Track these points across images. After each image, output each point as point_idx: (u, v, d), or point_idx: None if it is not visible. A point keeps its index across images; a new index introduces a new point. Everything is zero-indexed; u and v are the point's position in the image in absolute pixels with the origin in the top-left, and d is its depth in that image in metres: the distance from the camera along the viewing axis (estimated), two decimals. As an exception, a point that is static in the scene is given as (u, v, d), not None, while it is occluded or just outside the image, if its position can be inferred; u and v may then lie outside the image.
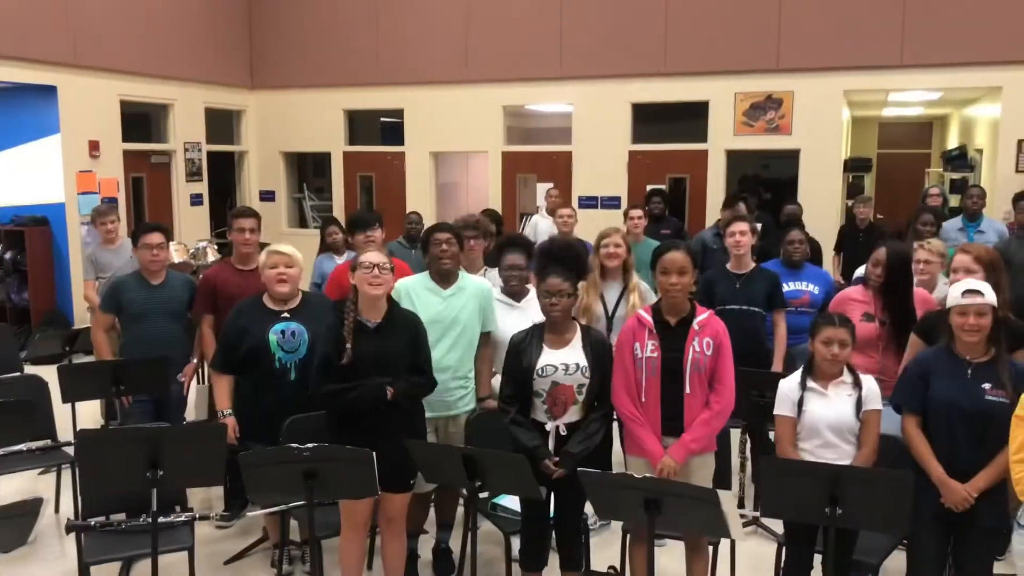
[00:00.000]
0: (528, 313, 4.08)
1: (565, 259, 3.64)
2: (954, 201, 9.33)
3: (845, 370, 3.41)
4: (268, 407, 3.85)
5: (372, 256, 3.51)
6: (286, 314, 3.95)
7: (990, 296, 3.23)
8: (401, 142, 11.12)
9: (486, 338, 4.14)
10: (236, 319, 3.95)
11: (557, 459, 3.43)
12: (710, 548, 3.69)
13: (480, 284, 4.17)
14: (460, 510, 4.39)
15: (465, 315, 4.01)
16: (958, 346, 3.27)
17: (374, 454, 3.11)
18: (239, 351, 3.90)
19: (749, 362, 4.62)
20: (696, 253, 6.71)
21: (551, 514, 3.58)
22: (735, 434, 5.11)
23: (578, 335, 3.55)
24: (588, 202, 10.16)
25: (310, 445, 3.08)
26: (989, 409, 3.15)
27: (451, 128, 10.68)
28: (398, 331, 3.52)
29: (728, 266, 5.11)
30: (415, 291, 4.00)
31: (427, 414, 3.93)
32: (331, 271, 6.20)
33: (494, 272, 4.64)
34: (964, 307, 3.20)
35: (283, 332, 3.91)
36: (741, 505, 4.97)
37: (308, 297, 4.12)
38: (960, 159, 10.47)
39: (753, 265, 5.09)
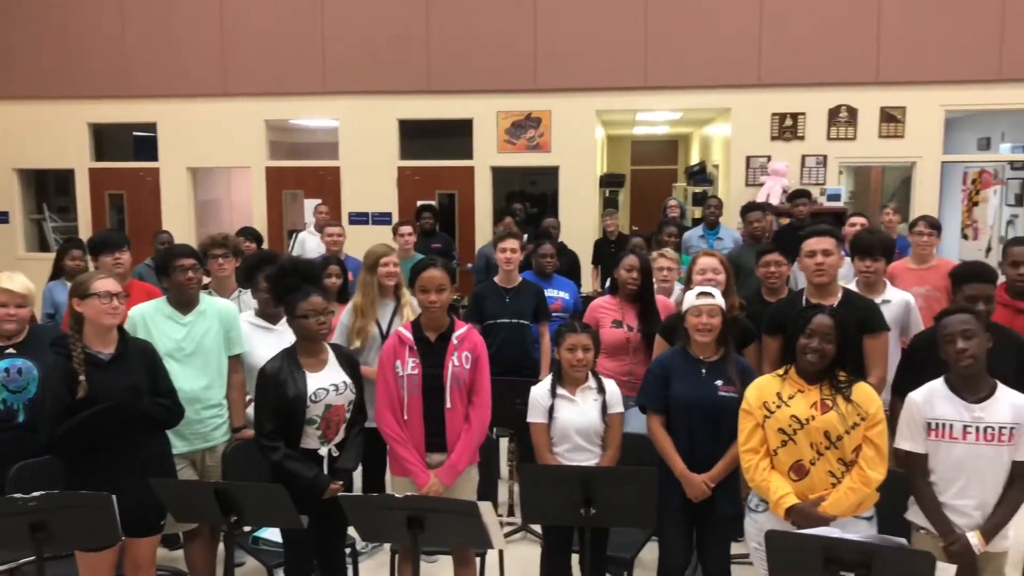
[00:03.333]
0: (287, 336, 3.93)
1: (314, 278, 3.56)
2: (698, 213, 10.16)
3: (590, 375, 3.60)
4: (-7, 454, 3.45)
5: (108, 284, 3.23)
6: (11, 350, 3.56)
7: (719, 299, 3.54)
8: (155, 157, 10.44)
9: (236, 363, 3.96)
10: (-54, 358, 3.51)
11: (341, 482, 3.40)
12: (477, 559, 3.74)
13: (223, 306, 4.00)
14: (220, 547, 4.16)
15: (209, 340, 3.82)
16: (693, 347, 3.55)
17: (114, 497, 2.87)
18: (-49, 394, 3.46)
19: (518, 372, 4.77)
20: (480, 269, 6.93)
21: (315, 542, 3.47)
22: (503, 442, 5.26)
23: (331, 353, 3.51)
24: (358, 218, 10.06)
25: (37, 494, 2.79)
26: (722, 404, 3.43)
27: (210, 143, 10.18)
28: (134, 362, 3.27)
29: (496, 280, 5.23)
30: (152, 319, 3.76)
31: (182, 448, 3.72)
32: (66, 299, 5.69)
33: (248, 294, 4.45)
34: (698, 308, 3.49)
35: (7, 370, 3.53)
36: (511, 512, 5.10)
37: (37, 330, 3.73)
38: (700, 174, 11.45)
39: (520, 279, 5.26)
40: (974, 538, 3.02)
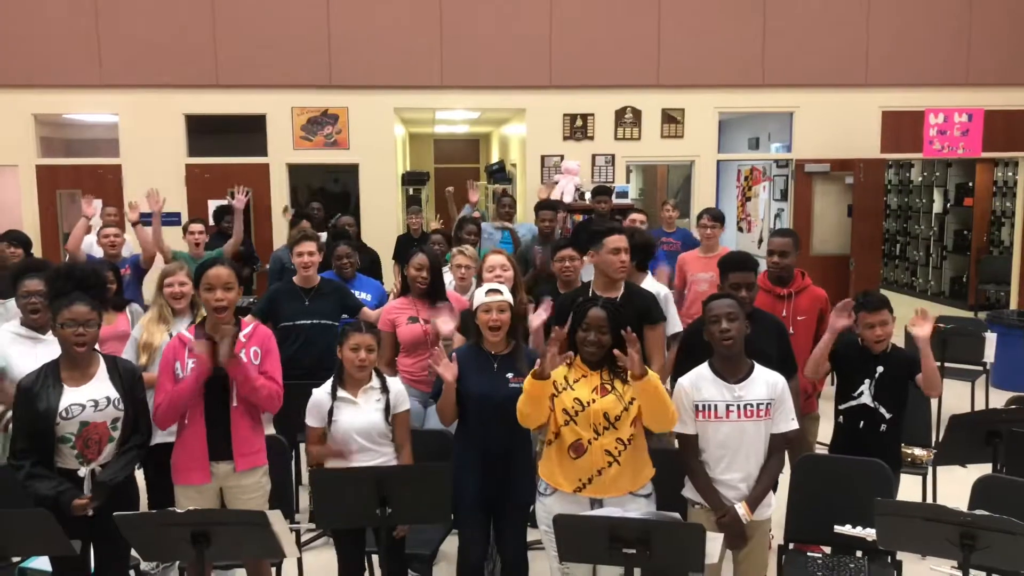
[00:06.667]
0: (55, 347, 3.64)
1: (91, 286, 3.32)
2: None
3: (373, 375, 3.58)
4: None
5: None
6: None
7: (507, 295, 3.63)
8: (-99, 155, 9.33)
9: None
10: None
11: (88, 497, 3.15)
12: (273, 568, 3.64)
13: None
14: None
15: None
16: (484, 342, 3.62)
17: None
18: None
19: (320, 374, 4.64)
20: (274, 272, 6.71)
21: (92, 568, 3.25)
22: (303, 448, 5.13)
23: (103, 366, 3.29)
24: (145, 218, 9.45)
25: None
26: (512, 396, 3.49)
27: (-33, 138, 9.22)
28: None
29: (296, 281, 5.10)
30: None
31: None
32: None
33: (12, 302, 4.08)
34: (488, 304, 3.55)
35: None
36: (312, 519, 4.98)
37: None
38: (500, 172, 11.70)
39: (319, 280, 5.15)
40: (741, 509, 3.28)
